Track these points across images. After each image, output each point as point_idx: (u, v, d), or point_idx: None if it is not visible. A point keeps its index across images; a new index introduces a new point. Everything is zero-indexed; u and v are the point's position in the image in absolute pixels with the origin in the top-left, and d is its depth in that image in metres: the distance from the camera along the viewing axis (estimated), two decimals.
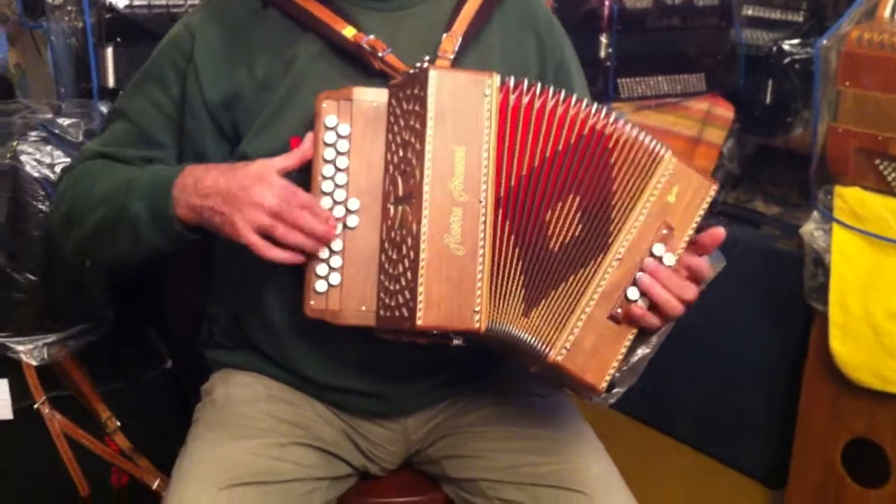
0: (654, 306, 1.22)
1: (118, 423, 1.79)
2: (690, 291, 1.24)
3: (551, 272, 1.23)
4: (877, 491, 2.12)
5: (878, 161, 1.96)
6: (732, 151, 2.81)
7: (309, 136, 1.26)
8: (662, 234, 1.24)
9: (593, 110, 1.26)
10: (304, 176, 1.25)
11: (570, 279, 1.23)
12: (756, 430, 2.48)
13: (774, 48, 2.72)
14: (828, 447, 2.16)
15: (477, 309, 1.19)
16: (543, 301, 1.23)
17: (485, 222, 1.20)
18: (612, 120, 1.26)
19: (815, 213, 2.08)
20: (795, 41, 2.71)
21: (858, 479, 2.15)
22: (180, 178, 1.26)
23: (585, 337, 1.21)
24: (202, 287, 1.57)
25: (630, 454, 1.90)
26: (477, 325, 1.20)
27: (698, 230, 1.26)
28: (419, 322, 1.17)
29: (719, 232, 1.26)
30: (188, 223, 1.27)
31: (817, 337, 2.13)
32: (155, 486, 1.81)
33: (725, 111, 2.78)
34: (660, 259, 1.23)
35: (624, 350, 1.22)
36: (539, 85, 1.26)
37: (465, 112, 1.21)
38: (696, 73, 2.72)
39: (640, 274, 1.22)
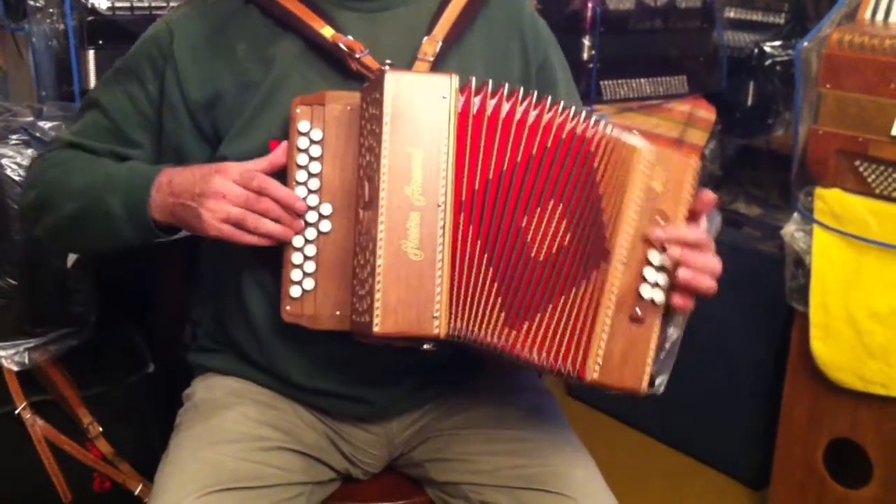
0: (687, 289, 1.22)
1: (100, 429, 1.78)
2: (714, 262, 1.25)
3: (541, 283, 1.21)
4: (858, 491, 2.13)
5: (858, 163, 1.97)
6: (714, 153, 2.83)
7: (282, 143, 1.26)
8: (659, 225, 1.23)
9: (571, 114, 1.24)
10: (280, 182, 1.25)
11: (574, 292, 1.21)
12: (738, 430, 2.49)
13: (756, 50, 2.73)
14: (809, 447, 2.18)
15: (436, 314, 1.18)
16: (540, 315, 1.21)
17: (444, 227, 1.19)
18: (591, 123, 1.24)
19: (796, 215, 2.09)
20: (777, 43, 2.72)
21: (840, 480, 2.16)
22: (157, 179, 1.27)
23: (614, 347, 1.20)
24: (187, 290, 1.57)
25: (612, 455, 1.90)
26: (436, 331, 1.19)
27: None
28: (376, 329, 1.17)
29: (708, 196, 1.26)
30: (163, 223, 1.28)
31: (798, 338, 2.14)
32: (137, 491, 1.80)
33: (707, 113, 2.79)
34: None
35: (653, 346, 1.22)
36: (507, 87, 1.24)
37: (422, 115, 1.19)
38: (678, 76, 2.73)
39: (657, 272, 1.22)
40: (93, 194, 1.31)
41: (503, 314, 1.21)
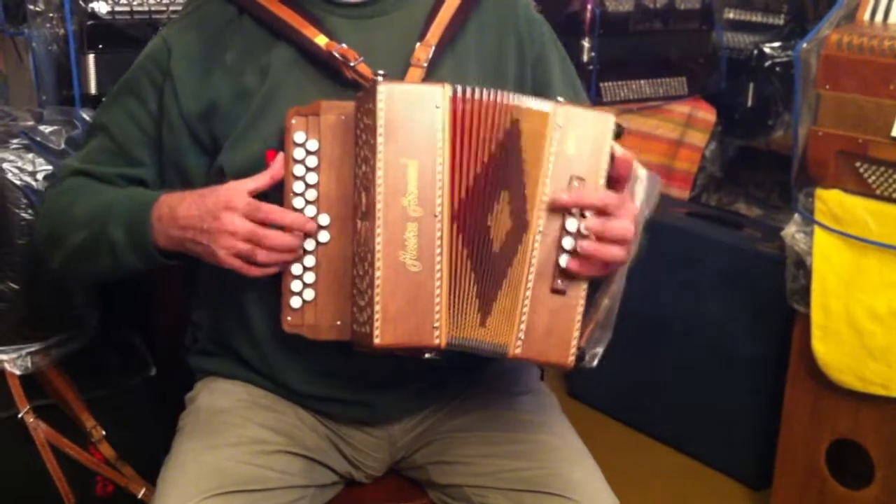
0: (594, 260, 1.20)
1: (103, 432, 1.78)
2: (623, 228, 1.20)
3: (497, 274, 1.22)
4: (860, 492, 2.13)
5: (858, 163, 1.97)
6: (714, 154, 2.83)
7: (280, 155, 1.26)
8: (575, 189, 1.20)
9: (512, 100, 1.22)
10: (279, 194, 1.25)
11: (508, 272, 1.22)
12: (740, 431, 2.49)
13: (755, 51, 2.74)
14: (811, 448, 2.17)
15: (436, 325, 1.18)
16: (495, 304, 1.22)
17: (441, 237, 1.19)
18: (513, 101, 1.22)
19: (797, 216, 2.09)
20: (776, 44, 2.73)
21: (842, 480, 2.16)
22: (156, 209, 1.28)
23: (536, 320, 1.20)
24: (187, 293, 1.57)
25: (614, 456, 1.90)
26: (437, 341, 1.19)
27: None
28: (376, 340, 1.17)
29: (625, 158, 1.22)
30: (166, 250, 1.29)
31: (799, 338, 2.14)
32: (140, 494, 1.80)
33: (707, 114, 2.80)
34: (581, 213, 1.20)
35: (579, 318, 1.21)
36: (478, 90, 1.22)
37: (416, 126, 1.18)
38: (678, 77, 2.74)
39: (575, 240, 1.19)
40: (96, 224, 1.32)
41: (479, 315, 1.22)
